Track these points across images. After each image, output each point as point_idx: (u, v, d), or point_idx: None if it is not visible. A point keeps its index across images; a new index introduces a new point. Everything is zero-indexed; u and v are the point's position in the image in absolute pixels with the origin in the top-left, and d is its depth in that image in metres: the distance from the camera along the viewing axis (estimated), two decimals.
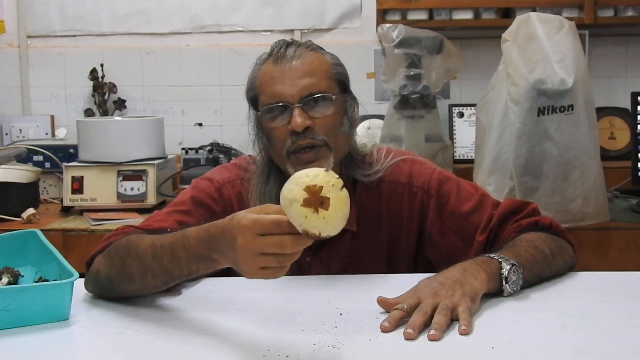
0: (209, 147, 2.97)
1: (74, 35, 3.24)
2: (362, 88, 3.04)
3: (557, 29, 2.20)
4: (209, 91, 3.23)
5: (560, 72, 2.15)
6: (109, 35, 3.23)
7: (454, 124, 3.10)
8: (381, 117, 2.83)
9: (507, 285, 1.27)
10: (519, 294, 1.30)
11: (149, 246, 1.23)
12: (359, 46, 3.13)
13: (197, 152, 2.98)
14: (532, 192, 2.22)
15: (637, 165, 2.58)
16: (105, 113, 3.18)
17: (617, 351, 1.05)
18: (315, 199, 0.98)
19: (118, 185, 2.62)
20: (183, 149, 3.02)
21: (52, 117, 3.26)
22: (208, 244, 1.12)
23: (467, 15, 2.94)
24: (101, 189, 2.63)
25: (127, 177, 2.63)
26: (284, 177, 1.50)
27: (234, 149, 2.96)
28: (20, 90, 3.28)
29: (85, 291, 1.35)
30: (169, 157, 2.86)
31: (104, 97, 3.18)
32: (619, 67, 3.11)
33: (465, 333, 1.10)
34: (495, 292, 1.27)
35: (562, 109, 2.16)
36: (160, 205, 2.61)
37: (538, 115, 2.17)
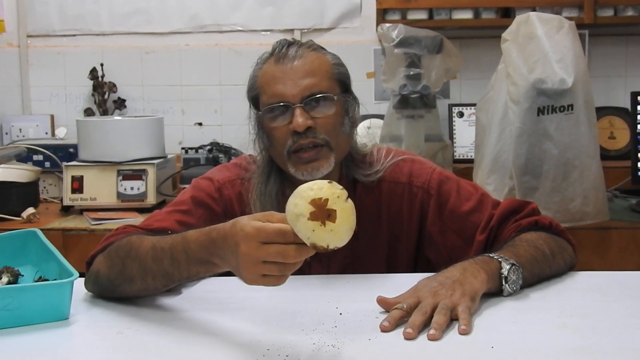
0: (208, 147, 2.97)
1: (74, 35, 3.24)
2: (362, 88, 3.01)
3: (557, 28, 2.20)
4: (208, 91, 3.23)
5: (560, 72, 2.15)
6: (109, 35, 3.23)
7: (453, 123, 3.10)
8: (381, 116, 2.83)
9: (506, 285, 1.27)
10: (518, 294, 1.30)
11: (150, 248, 1.23)
12: (359, 46, 3.13)
13: (197, 151, 2.97)
14: (532, 192, 2.22)
15: (637, 164, 2.58)
16: (105, 112, 3.18)
17: (617, 351, 1.05)
18: (322, 212, 0.98)
19: (118, 185, 2.62)
20: (183, 148, 3.02)
21: (52, 117, 3.26)
22: (209, 249, 1.12)
23: (467, 15, 2.94)
24: (101, 188, 2.63)
25: (127, 177, 2.63)
26: (284, 176, 1.50)
27: (234, 149, 2.96)
28: (20, 89, 3.28)
29: (85, 291, 1.35)
30: (169, 156, 2.86)
31: (104, 97, 3.18)
32: (619, 66, 3.11)
33: (464, 333, 1.11)
34: (495, 292, 1.27)
35: (561, 109, 2.16)
36: (160, 204, 2.61)
37: (538, 114, 2.17)
